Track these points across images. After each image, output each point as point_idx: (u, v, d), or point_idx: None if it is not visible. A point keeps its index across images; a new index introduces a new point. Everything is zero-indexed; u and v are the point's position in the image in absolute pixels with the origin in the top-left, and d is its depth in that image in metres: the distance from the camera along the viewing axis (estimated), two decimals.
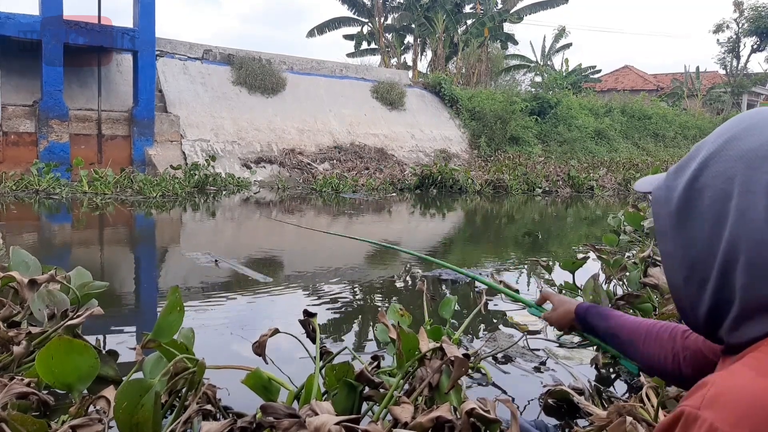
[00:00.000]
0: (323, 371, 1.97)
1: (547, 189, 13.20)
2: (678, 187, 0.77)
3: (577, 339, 2.90)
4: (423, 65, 27.39)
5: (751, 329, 0.69)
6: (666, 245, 0.79)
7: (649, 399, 1.97)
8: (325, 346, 2.29)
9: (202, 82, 14.45)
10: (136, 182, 10.44)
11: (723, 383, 0.62)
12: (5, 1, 21.06)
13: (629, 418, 1.69)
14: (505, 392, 2.39)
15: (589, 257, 3.80)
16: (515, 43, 26.90)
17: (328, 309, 3.65)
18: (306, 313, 2.23)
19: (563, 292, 3.62)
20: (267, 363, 2.01)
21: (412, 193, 12.30)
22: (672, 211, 0.77)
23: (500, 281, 3.26)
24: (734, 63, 29.92)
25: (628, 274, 3.41)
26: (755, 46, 29.07)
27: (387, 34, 26.01)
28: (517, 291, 3.26)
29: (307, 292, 4.06)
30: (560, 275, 3.93)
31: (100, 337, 2.93)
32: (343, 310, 3.69)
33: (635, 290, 3.18)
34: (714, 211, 0.72)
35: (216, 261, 4.82)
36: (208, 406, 1.84)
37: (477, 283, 4.32)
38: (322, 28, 24.34)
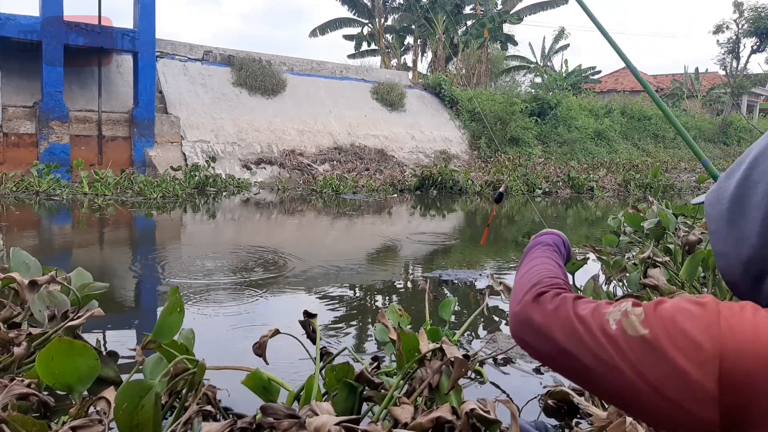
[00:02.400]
0: (323, 372, 1.97)
1: (547, 190, 13.19)
2: (730, 186, 0.78)
3: None
4: (423, 66, 27.43)
5: None
6: (719, 245, 0.80)
7: None
8: (325, 347, 2.30)
9: (203, 83, 14.46)
10: (137, 183, 10.44)
11: (756, 308, 0.65)
12: (5, 1, 21.08)
13: (629, 419, 1.69)
14: (505, 393, 2.39)
15: (589, 258, 3.80)
16: (515, 44, 26.91)
17: (328, 309, 3.65)
18: (306, 313, 2.23)
19: None
20: (267, 364, 2.01)
21: (413, 194, 12.29)
22: (724, 210, 0.78)
23: (500, 282, 3.27)
24: (734, 64, 29.87)
25: (628, 275, 3.41)
26: (755, 47, 29.01)
27: (387, 35, 26.02)
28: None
29: (308, 293, 4.06)
30: None
31: (101, 338, 2.93)
32: (343, 310, 3.69)
33: (635, 291, 3.18)
34: (767, 205, 0.72)
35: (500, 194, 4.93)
36: (209, 407, 1.84)
37: (478, 285, 4.32)
38: (323, 29, 24.37)
